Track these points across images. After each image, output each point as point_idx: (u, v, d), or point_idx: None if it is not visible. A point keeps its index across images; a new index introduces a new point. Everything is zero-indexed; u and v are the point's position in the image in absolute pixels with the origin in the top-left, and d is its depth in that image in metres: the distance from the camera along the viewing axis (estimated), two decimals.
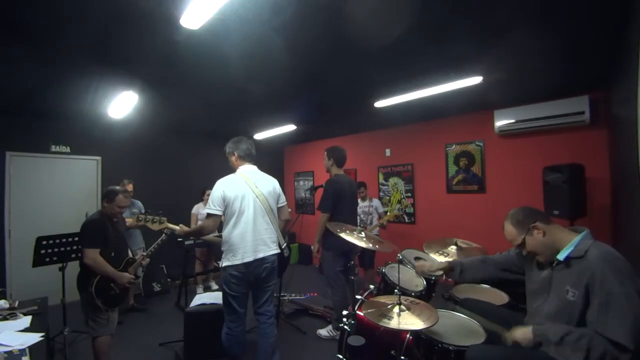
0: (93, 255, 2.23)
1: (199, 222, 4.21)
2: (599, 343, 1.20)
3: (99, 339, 2.28)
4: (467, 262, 1.88)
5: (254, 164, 2.43)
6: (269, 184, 2.37)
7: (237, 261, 2.15)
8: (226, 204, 2.20)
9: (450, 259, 2.08)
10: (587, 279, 1.29)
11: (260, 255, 2.21)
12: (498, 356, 1.45)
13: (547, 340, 1.34)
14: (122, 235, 2.61)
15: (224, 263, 2.20)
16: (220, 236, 2.31)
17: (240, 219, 2.20)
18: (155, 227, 2.50)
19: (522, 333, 1.43)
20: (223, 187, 2.21)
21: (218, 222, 2.24)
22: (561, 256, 1.42)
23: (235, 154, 2.39)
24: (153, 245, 2.72)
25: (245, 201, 2.22)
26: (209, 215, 2.20)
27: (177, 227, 2.39)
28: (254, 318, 2.40)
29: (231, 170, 2.41)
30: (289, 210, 2.60)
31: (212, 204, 2.19)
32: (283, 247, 2.39)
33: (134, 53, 2.48)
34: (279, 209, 2.44)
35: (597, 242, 1.38)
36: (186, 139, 5.71)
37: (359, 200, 4.53)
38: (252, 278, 2.23)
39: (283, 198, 2.49)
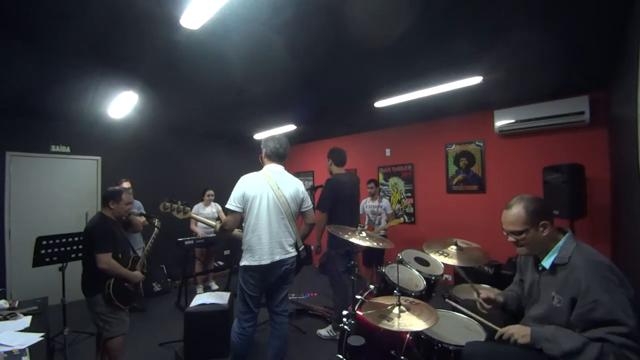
0: (107, 259, 2.21)
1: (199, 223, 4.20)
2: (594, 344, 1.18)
3: (114, 339, 2.27)
4: (507, 294, 1.78)
5: (282, 164, 2.36)
6: (292, 186, 2.29)
7: (254, 262, 2.13)
8: (245, 202, 2.16)
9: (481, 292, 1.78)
10: (572, 288, 1.28)
11: (277, 258, 2.17)
12: (495, 352, 1.44)
13: (543, 340, 1.30)
14: (125, 236, 2.60)
15: (243, 262, 2.17)
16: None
17: (257, 220, 2.15)
18: (181, 216, 2.44)
19: (520, 330, 1.40)
20: (245, 185, 2.17)
21: (238, 219, 2.20)
22: (546, 263, 1.43)
23: (264, 151, 2.36)
24: (149, 241, 2.65)
25: (264, 201, 2.16)
26: (228, 210, 2.18)
27: (196, 216, 2.48)
28: (269, 318, 2.38)
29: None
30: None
31: (232, 200, 2.16)
32: (300, 249, 2.35)
33: (134, 53, 2.48)
34: (303, 212, 2.37)
35: (580, 246, 1.37)
36: (186, 139, 5.70)
37: (369, 198, 4.53)
38: (272, 279, 2.21)
39: (308, 202, 2.39)
